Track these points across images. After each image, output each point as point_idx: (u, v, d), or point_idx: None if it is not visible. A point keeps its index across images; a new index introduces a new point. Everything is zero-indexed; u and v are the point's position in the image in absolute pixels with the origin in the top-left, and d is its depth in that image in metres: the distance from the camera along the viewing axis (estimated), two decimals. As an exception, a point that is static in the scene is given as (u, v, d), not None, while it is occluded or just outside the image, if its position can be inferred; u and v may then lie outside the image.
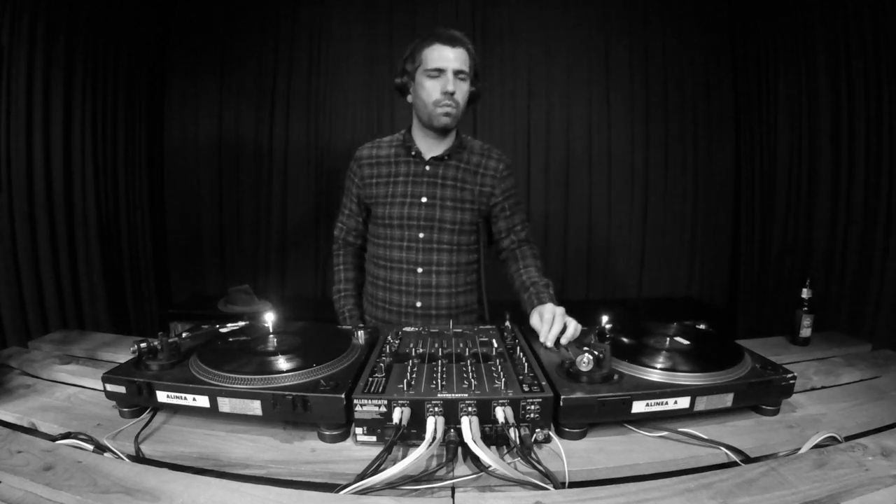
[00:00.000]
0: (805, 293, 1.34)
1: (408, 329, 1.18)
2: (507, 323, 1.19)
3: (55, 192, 2.40)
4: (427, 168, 1.39)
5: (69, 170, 2.49)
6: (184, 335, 1.04)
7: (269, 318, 1.09)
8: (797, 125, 2.75)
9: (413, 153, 1.40)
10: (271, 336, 1.05)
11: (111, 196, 2.81)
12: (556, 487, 0.70)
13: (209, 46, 3.30)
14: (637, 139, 3.46)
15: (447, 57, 1.26)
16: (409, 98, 1.38)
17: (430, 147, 1.40)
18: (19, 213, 2.21)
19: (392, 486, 0.69)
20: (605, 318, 1.06)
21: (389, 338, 1.09)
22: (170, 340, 0.93)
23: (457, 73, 1.27)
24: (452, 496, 0.68)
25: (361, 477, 0.70)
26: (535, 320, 1.14)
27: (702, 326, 1.21)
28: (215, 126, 3.37)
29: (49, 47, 2.30)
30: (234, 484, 0.70)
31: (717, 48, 3.34)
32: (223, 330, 1.15)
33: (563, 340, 1.07)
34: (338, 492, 0.68)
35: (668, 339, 1.05)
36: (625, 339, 1.05)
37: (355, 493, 0.68)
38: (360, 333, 1.06)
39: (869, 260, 2.29)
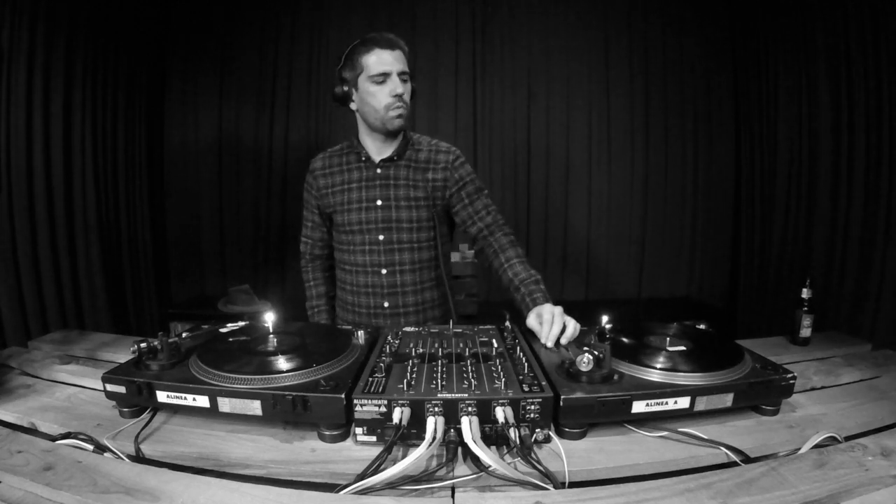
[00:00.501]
0: (805, 293, 1.34)
1: (408, 329, 1.18)
2: (507, 323, 1.19)
3: (55, 192, 2.40)
4: (378, 171, 1.41)
5: (69, 170, 2.49)
6: (184, 335, 1.04)
7: (269, 318, 1.09)
8: (797, 125, 2.75)
9: (363, 158, 1.41)
10: (271, 336, 1.05)
11: (111, 196, 2.81)
12: (556, 487, 0.70)
13: (209, 46, 3.30)
14: (637, 139, 3.46)
15: (388, 60, 1.27)
16: (353, 106, 1.38)
17: (378, 150, 1.41)
18: (19, 213, 2.21)
19: (392, 486, 0.69)
20: (605, 318, 1.06)
21: (389, 338, 1.09)
22: (170, 340, 0.93)
23: (400, 74, 1.29)
24: (452, 496, 0.68)
25: (361, 477, 0.70)
26: (533, 322, 1.14)
27: (702, 326, 1.21)
28: (215, 126, 3.37)
29: (49, 47, 2.30)
30: (234, 484, 0.70)
31: (717, 48, 3.34)
32: (223, 330, 1.15)
33: (563, 340, 1.07)
34: (338, 492, 0.68)
35: (668, 339, 1.05)
36: (625, 339, 1.05)
37: (355, 493, 0.68)
38: (360, 333, 1.06)
39: (869, 260, 2.29)
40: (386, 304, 1.44)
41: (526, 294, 1.29)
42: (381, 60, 1.27)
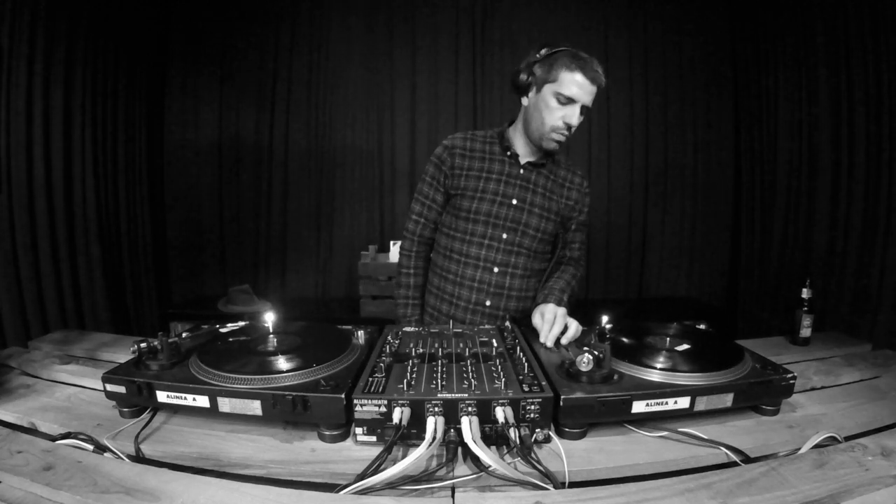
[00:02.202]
0: (805, 293, 1.34)
1: (408, 329, 1.18)
2: (508, 323, 1.19)
3: (55, 192, 2.40)
4: (521, 171, 1.39)
5: (69, 170, 2.49)
6: (184, 335, 1.04)
7: (269, 318, 1.09)
8: (797, 125, 2.75)
9: (509, 153, 1.39)
10: (271, 336, 1.05)
11: (111, 196, 2.81)
12: (556, 487, 0.70)
13: (209, 46, 3.30)
14: (637, 139, 3.46)
15: (585, 90, 1.23)
16: (525, 101, 1.34)
17: (527, 151, 1.39)
18: (19, 213, 2.21)
19: (392, 486, 0.69)
20: (605, 318, 1.06)
21: (389, 338, 1.09)
22: (170, 340, 0.93)
23: (584, 108, 1.26)
24: (452, 496, 0.68)
25: (361, 477, 0.70)
26: (536, 319, 1.14)
27: (702, 326, 1.21)
28: (215, 126, 3.37)
29: (49, 47, 2.30)
30: (234, 484, 0.70)
31: (717, 48, 3.34)
32: (223, 330, 1.15)
33: (564, 340, 1.07)
34: (338, 492, 0.68)
35: (668, 339, 1.05)
36: (625, 339, 1.05)
37: (355, 493, 0.68)
38: (360, 333, 1.06)
39: (869, 260, 2.29)
40: (488, 303, 1.41)
41: (543, 295, 1.31)
42: (578, 86, 1.23)
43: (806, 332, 1.32)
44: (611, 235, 3.54)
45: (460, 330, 1.17)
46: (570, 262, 1.48)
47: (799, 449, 0.80)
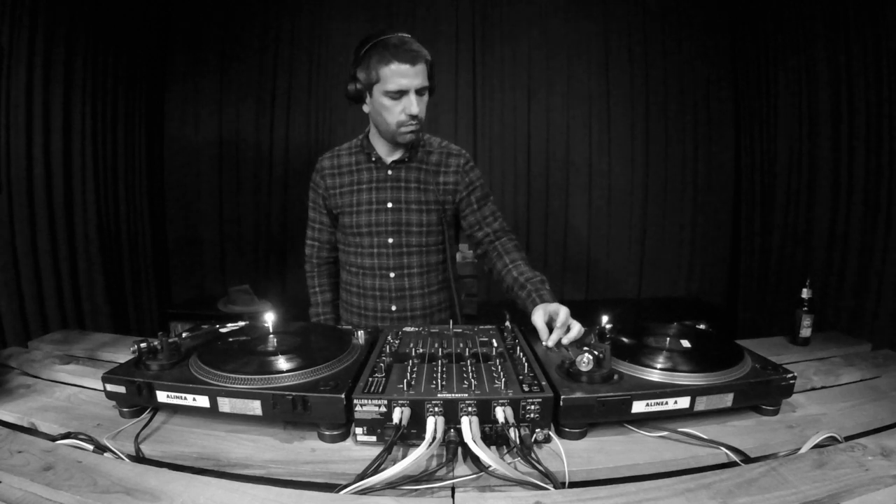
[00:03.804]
0: (805, 293, 1.33)
1: (408, 329, 1.18)
2: (507, 323, 1.19)
3: (55, 192, 2.40)
4: (389, 172, 1.38)
5: (69, 170, 2.49)
6: (184, 335, 1.04)
7: (269, 318, 1.09)
8: (797, 125, 2.75)
9: (373, 159, 1.38)
10: (271, 336, 1.05)
11: (111, 196, 2.81)
12: (556, 487, 0.70)
13: (209, 46, 3.30)
14: (637, 139, 3.46)
15: (408, 76, 1.19)
16: (366, 108, 1.31)
17: (390, 151, 1.38)
18: (19, 213, 2.21)
19: (392, 486, 0.69)
20: (605, 318, 1.06)
21: (389, 338, 1.09)
22: (170, 340, 0.93)
23: (418, 90, 1.22)
24: (452, 496, 0.68)
25: (361, 477, 0.69)
26: (537, 318, 1.12)
27: (702, 326, 1.21)
28: (215, 126, 3.37)
29: (49, 48, 2.30)
30: (234, 484, 0.70)
31: (717, 48, 3.34)
32: (223, 330, 1.15)
33: (565, 341, 1.07)
34: (338, 492, 0.68)
35: (668, 339, 1.05)
36: (625, 339, 1.05)
37: (355, 493, 0.68)
38: (360, 333, 1.06)
39: (869, 260, 2.29)
40: (394, 308, 1.42)
41: (532, 291, 1.28)
42: (400, 75, 1.18)
43: (806, 332, 1.32)
44: (611, 235, 3.54)
45: (460, 330, 1.17)
46: (500, 236, 1.42)
47: (799, 449, 0.80)
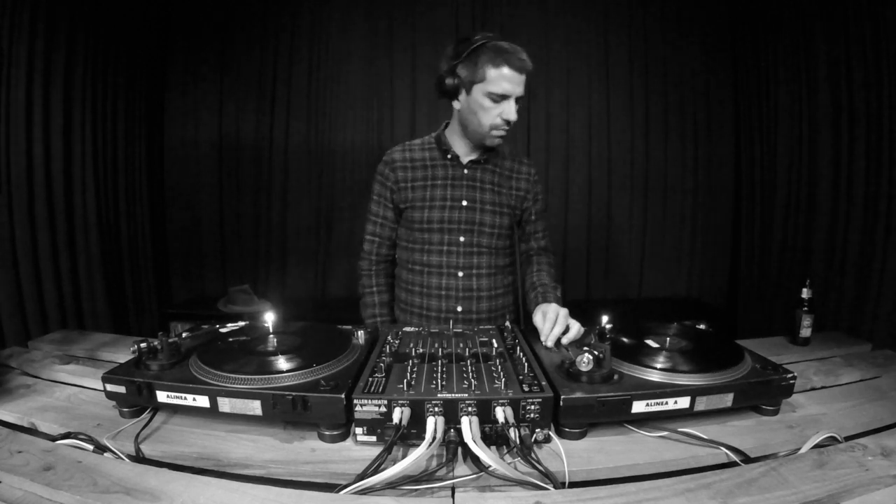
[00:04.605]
0: (805, 293, 1.34)
1: (408, 329, 1.18)
2: (508, 323, 1.19)
3: (55, 192, 2.40)
4: (465, 171, 1.38)
5: (69, 170, 2.49)
6: (184, 335, 1.04)
7: (269, 318, 1.09)
8: (797, 125, 2.75)
9: (450, 156, 1.37)
10: (271, 336, 1.05)
11: (111, 196, 2.81)
12: (556, 487, 0.70)
13: (209, 46, 3.30)
14: (637, 139, 3.46)
15: (514, 82, 1.20)
16: (457, 105, 1.30)
17: (467, 151, 1.38)
18: (19, 213, 2.21)
19: (392, 486, 0.69)
20: (605, 318, 1.06)
21: (389, 338, 1.09)
22: (170, 340, 0.93)
23: (518, 99, 1.24)
24: (452, 496, 0.68)
25: (361, 477, 0.70)
26: (537, 318, 1.13)
27: (702, 326, 1.21)
28: (215, 126, 3.37)
29: (49, 48, 2.30)
30: (234, 484, 0.70)
31: (717, 48, 3.34)
32: (223, 330, 1.15)
33: (565, 341, 1.07)
34: (338, 492, 0.68)
35: (668, 339, 1.05)
36: (625, 339, 1.05)
37: (355, 493, 0.68)
38: (360, 333, 1.06)
39: (869, 260, 2.29)
40: (459, 309, 1.39)
41: (540, 293, 1.30)
42: (508, 80, 1.19)
43: (806, 332, 1.32)
44: (611, 235, 3.54)
45: (460, 330, 1.17)
46: (541, 253, 1.47)
47: (799, 449, 0.80)
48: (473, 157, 1.38)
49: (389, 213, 1.43)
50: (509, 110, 1.23)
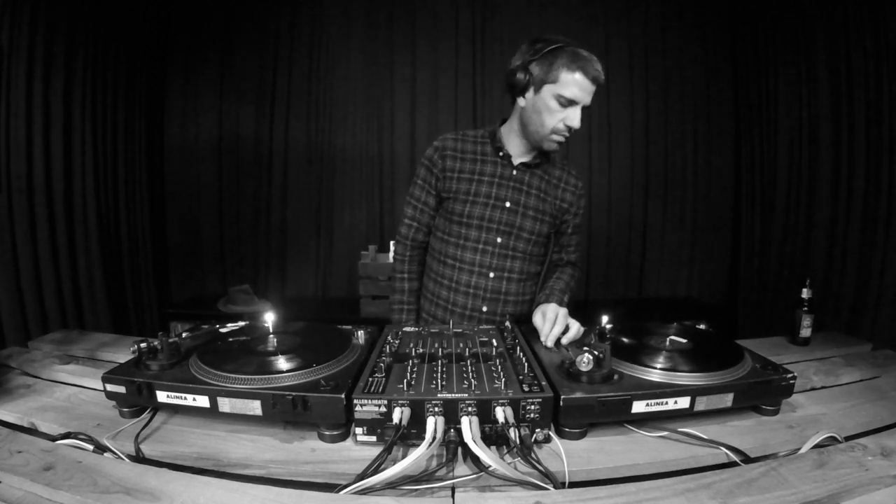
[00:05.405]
0: (805, 293, 1.34)
1: (408, 329, 1.18)
2: (508, 323, 1.19)
3: (55, 192, 2.40)
4: (514, 173, 1.36)
5: (69, 170, 2.49)
6: (184, 335, 1.04)
7: (269, 318, 1.09)
8: (797, 125, 2.75)
9: (501, 154, 1.36)
10: (271, 336, 1.05)
11: (111, 196, 2.81)
12: (556, 487, 0.70)
13: (209, 46, 3.30)
14: (637, 139, 3.46)
15: (587, 91, 1.20)
16: (521, 101, 1.27)
17: (520, 152, 1.36)
18: (19, 213, 2.21)
19: (392, 486, 0.69)
20: (605, 318, 1.06)
21: (389, 338, 1.09)
22: (170, 340, 0.93)
23: (585, 108, 1.23)
24: (452, 496, 0.68)
25: (361, 477, 0.70)
26: (537, 318, 1.13)
27: (702, 326, 1.21)
28: (215, 126, 3.37)
29: (49, 47, 2.30)
30: (234, 484, 0.70)
31: (717, 48, 3.34)
32: (223, 330, 1.15)
33: (564, 340, 1.07)
34: (338, 492, 0.68)
35: (668, 339, 1.05)
36: (625, 339, 1.05)
37: (355, 493, 0.68)
38: (360, 333, 1.06)
39: (869, 260, 2.29)
40: (485, 309, 1.38)
41: (545, 296, 1.31)
42: (580, 87, 1.18)
43: (806, 332, 1.32)
44: (611, 235, 3.54)
45: (460, 330, 1.17)
46: (567, 265, 1.48)
47: (799, 449, 0.80)
48: (525, 159, 1.36)
49: (431, 200, 1.41)
50: (574, 117, 1.21)
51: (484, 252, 1.36)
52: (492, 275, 1.37)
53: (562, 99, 1.20)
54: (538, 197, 1.37)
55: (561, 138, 1.26)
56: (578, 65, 1.18)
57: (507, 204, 1.35)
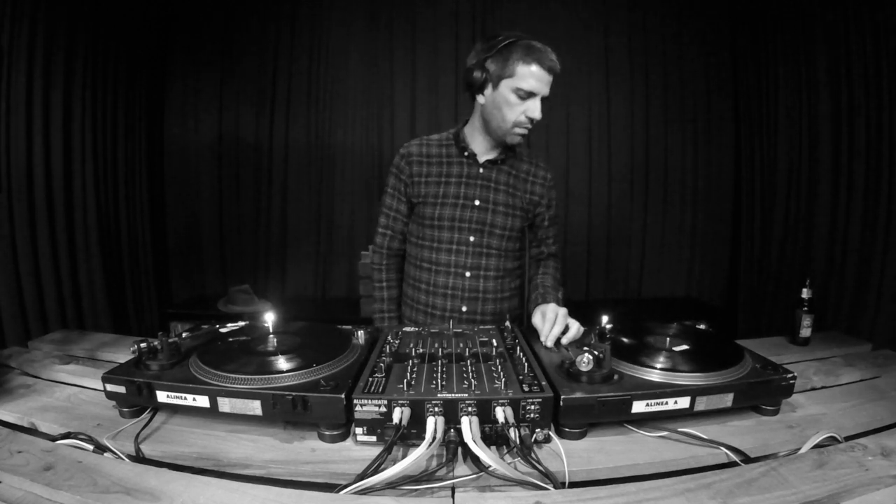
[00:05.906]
0: (805, 293, 1.34)
1: (407, 329, 1.18)
2: (507, 323, 1.19)
3: (55, 192, 2.40)
4: (481, 171, 1.37)
5: (69, 170, 2.49)
6: (184, 335, 1.04)
7: (269, 318, 1.09)
8: (797, 125, 2.75)
9: (466, 154, 1.37)
10: (271, 336, 1.05)
11: (111, 196, 2.81)
12: (556, 487, 0.70)
13: (209, 46, 3.30)
14: (637, 139, 3.46)
15: (544, 82, 1.21)
16: (481, 100, 1.28)
17: (485, 150, 1.37)
18: (19, 213, 2.21)
19: (392, 486, 0.69)
20: (605, 318, 1.06)
21: (389, 338, 1.09)
22: (170, 340, 0.93)
23: (544, 98, 1.24)
24: (452, 496, 0.68)
25: (361, 477, 0.70)
26: (537, 319, 1.13)
27: (702, 326, 1.21)
28: (215, 126, 3.37)
29: (49, 48, 2.30)
30: (234, 484, 0.70)
31: (717, 48, 3.34)
32: (223, 330, 1.15)
33: (564, 340, 1.07)
34: (338, 492, 0.68)
35: (668, 339, 1.05)
36: (625, 339, 1.05)
37: (355, 493, 0.68)
38: (360, 333, 1.06)
39: (869, 260, 2.29)
40: (464, 309, 1.39)
41: (540, 294, 1.31)
42: (537, 79, 1.20)
43: (806, 332, 1.32)
44: (611, 235, 3.54)
45: (460, 330, 1.17)
46: (549, 258, 1.48)
47: (799, 449, 0.80)
48: (491, 156, 1.37)
49: (403, 207, 1.42)
50: (534, 108, 1.22)
51: (458, 252, 1.37)
52: (468, 274, 1.38)
53: (520, 92, 1.21)
54: (507, 192, 1.37)
55: (524, 130, 1.27)
56: (534, 57, 1.19)
57: (477, 202, 1.36)
